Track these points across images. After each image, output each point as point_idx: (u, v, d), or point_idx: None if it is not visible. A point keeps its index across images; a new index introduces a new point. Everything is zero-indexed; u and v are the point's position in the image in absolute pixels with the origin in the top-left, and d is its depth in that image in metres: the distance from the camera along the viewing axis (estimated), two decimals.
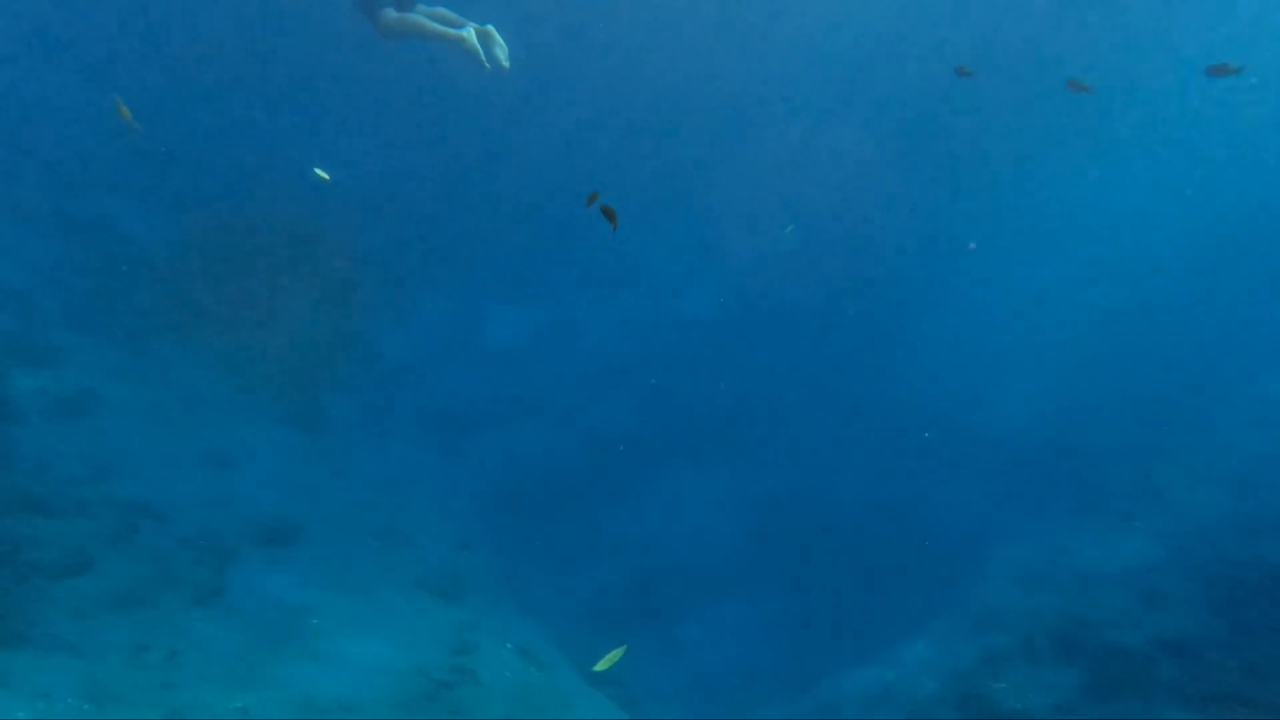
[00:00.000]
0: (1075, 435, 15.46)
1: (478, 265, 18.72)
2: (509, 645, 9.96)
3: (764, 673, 12.47)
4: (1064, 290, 17.99)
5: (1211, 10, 19.25)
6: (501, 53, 8.11)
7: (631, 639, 12.27)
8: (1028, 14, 19.72)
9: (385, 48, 9.48)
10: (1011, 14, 19.81)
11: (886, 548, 14.21)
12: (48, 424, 10.10)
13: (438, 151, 20.33)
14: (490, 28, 8.14)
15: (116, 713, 6.59)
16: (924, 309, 19.00)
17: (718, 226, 20.47)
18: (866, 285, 19.92)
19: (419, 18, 8.08)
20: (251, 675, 7.68)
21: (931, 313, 18.88)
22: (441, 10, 8.32)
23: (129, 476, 9.82)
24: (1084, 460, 14.77)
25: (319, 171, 10.01)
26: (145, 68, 18.68)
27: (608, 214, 6.08)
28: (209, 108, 18.55)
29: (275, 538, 10.08)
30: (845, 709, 10.73)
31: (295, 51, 19.45)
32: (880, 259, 20.36)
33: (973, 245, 16.62)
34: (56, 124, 16.43)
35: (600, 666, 6.56)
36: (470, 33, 7.94)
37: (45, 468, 9.35)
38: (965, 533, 14.26)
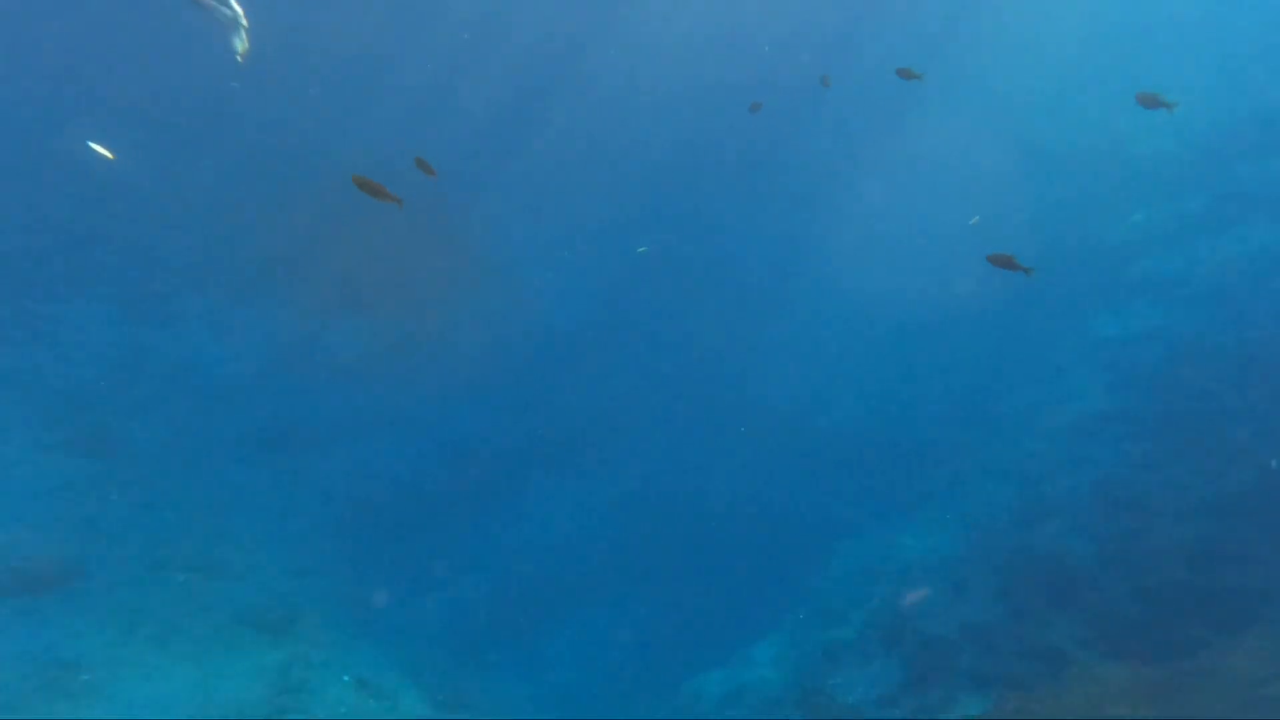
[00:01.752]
0: (900, 433, 17.31)
1: (315, 271, 17.73)
2: (346, 678, 9.56)
3: (627, 680, 13.19)
4: (890, 298, 19.85)
5: None
6: (240, 44, 8.21)
7: (491, 658, 12.61)
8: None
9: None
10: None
11: (741, 546, 15.45)
12: None
13: (258, 140, 18.87)
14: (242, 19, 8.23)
15: None
16: (769, 316, 20.38)
17: (577, 234, 20.87)
18: (716, 292, 21.09)
19: None
20: None
21: (777, 320, 20.30)
22: None
23: None
24: (907, 456, 16.60)
25: (96, 147, 9.04)
26: None
27: (422, 166, 6.45)
28: None
29: (33, 584, 8.95)
30: (703, 710, 11.70)
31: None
32: (727, 267, 21.55)
33: (643, 249, 17.95)
34: None
35: None
36: (241, 14, 8.14)
37: None
38: (811, 529, 15.79)
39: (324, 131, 20.31)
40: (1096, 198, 19.63)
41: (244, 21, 8.27)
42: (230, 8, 8.17)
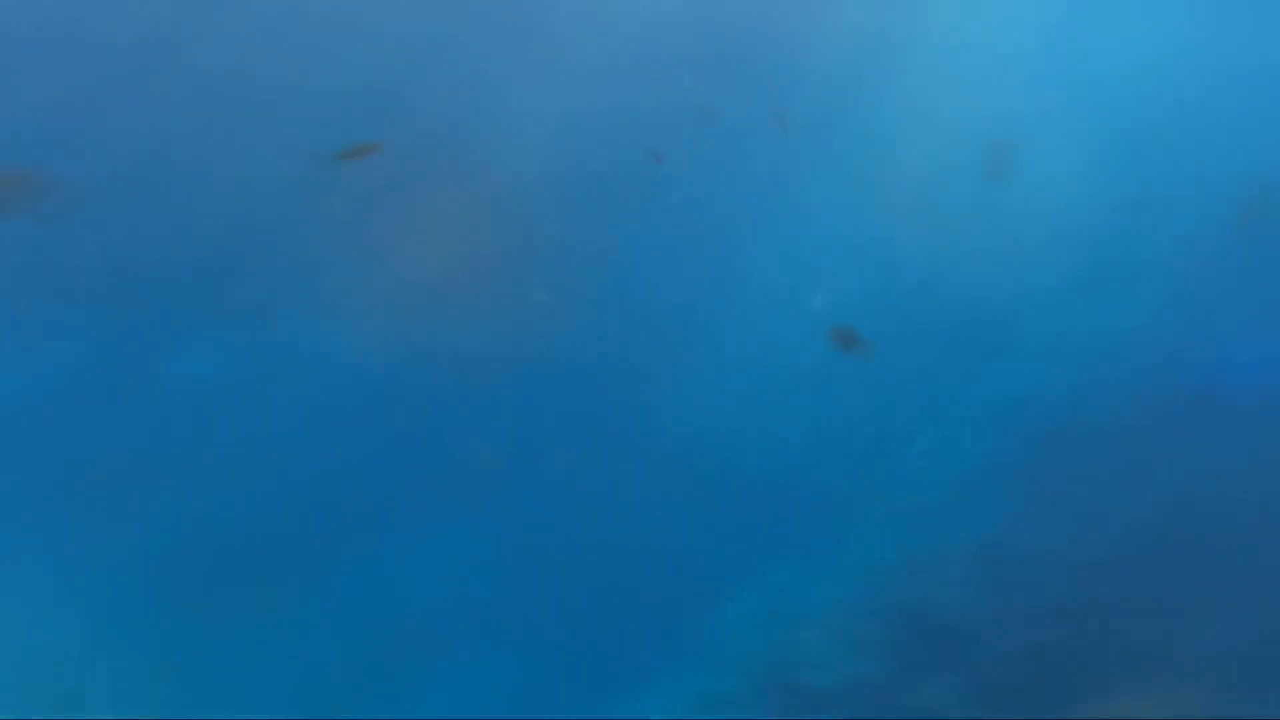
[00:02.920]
0: (797, 478, 17.35)
1: (147, 276, 16.26)
2: None
3: None
4: (787, 337, 20.08)
5: None
6: None
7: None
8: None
9: None
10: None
11: (634, 591, 14.98)
12: None
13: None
14: None
15: None
16: (674, 352, 20.24)
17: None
18: (618, 323, 20.81)
19: None
20: None
21: (681, 356, 20.16)
22: None
23: None
24: (802, 502, 16.63)
25: None
26: None
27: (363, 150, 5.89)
28: None
29: None
30: None
31: None
32: (632, 299, 21.34)
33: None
34: None
35: None
36: None
37: None
38: (703, 573, 15.48)
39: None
40: (979, 256, 20.64)
41: None
42: None
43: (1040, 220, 21.47)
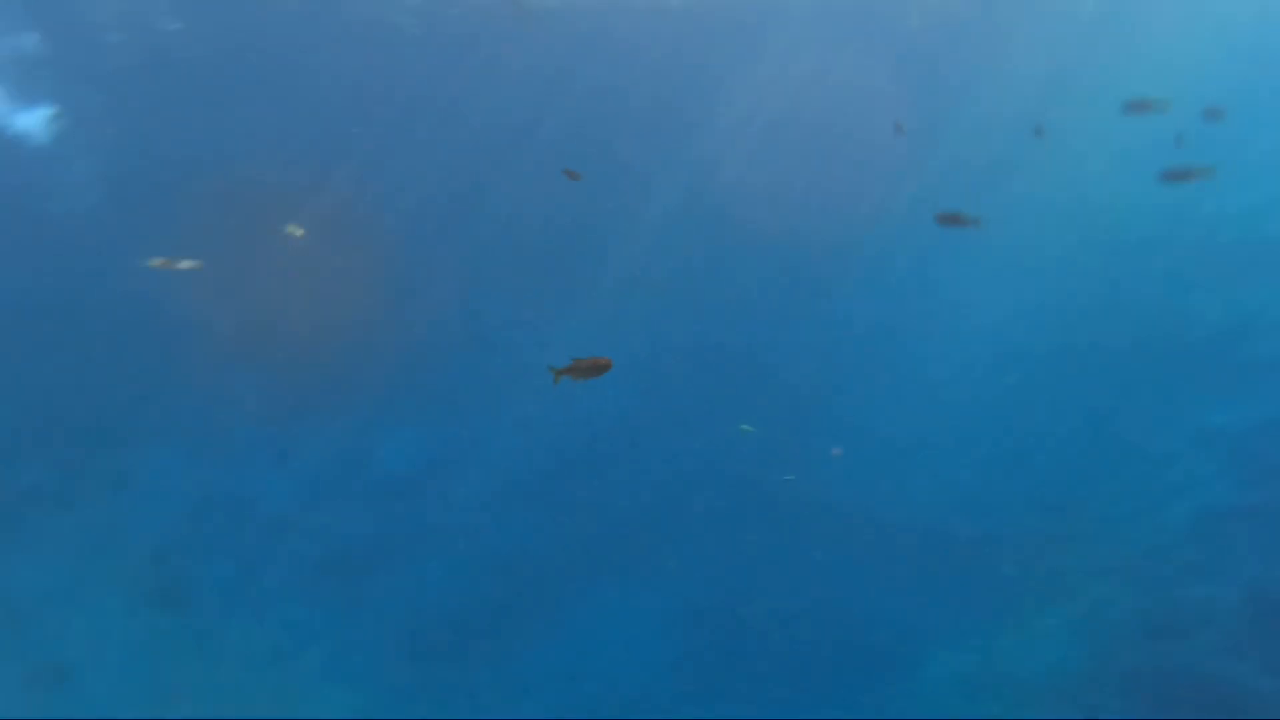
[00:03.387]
0: (987, 524, 15.80)
1: (359, 385, 17.57)
2: None
3: None
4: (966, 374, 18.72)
5: None
6: None
7: None
8: None
9: None
10: None
11: (823, 657, 13.99)
12: None
13: None
14: None
15: None
16: (833, 402, 19.35)
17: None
18: (771, 375, 20.18)
19: None
20: None
21: (842, 406, 19.25)
22: None
23: None
24: (996, 550, 15.07)
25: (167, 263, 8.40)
26: None
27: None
28: None
29: None
30: None
31: None
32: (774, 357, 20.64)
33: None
34: None
35: None
36: None
37: None
38: (898, 634, 14.22)
39: None
40: (1199, 278, 18.35)
41: None
42: None
43: (1255, 229, 18.99)
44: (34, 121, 14.82)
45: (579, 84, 20.56)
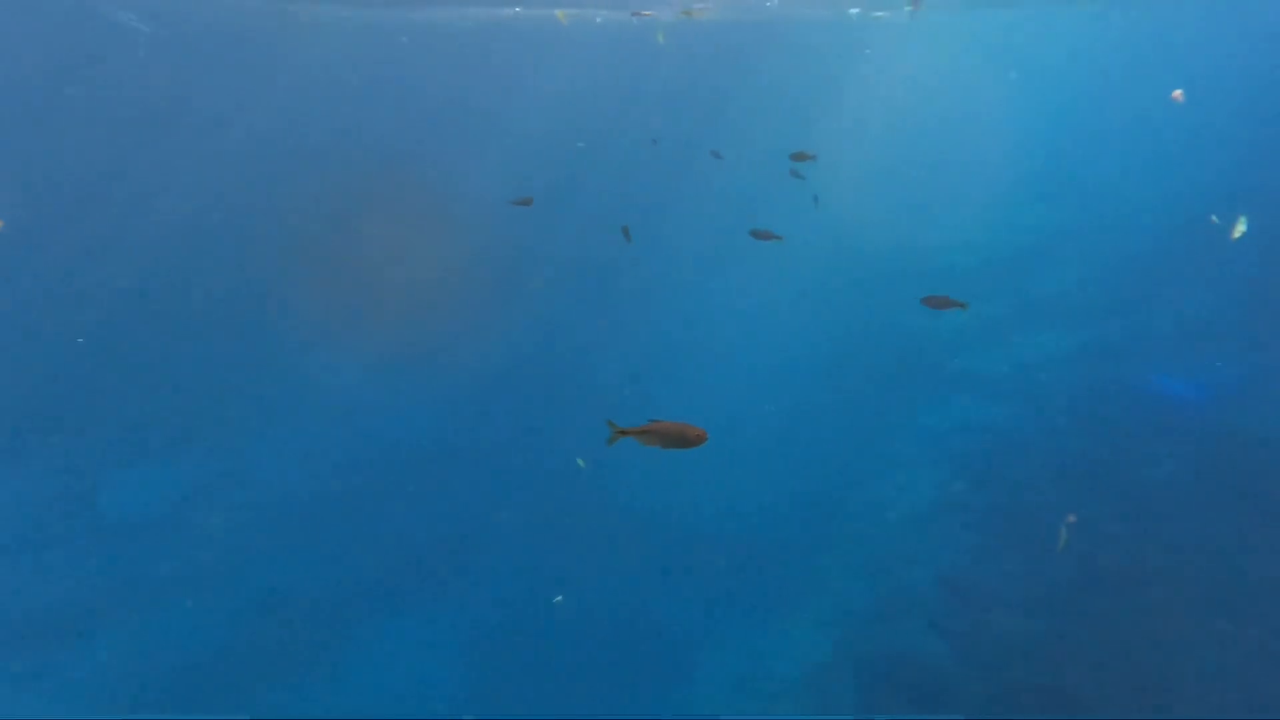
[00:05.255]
0: (758, 534, 17.42)
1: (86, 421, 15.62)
2: None
3: None
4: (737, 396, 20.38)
5: None
6: None
7: None
8: None
9: None
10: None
11: (606, 668, 14.65)
12: None
13: None
14: None
15: None
16: (617, 417, 20.16)
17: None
18: (563, 396, 20.72)
19: None
20: None
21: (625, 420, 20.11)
22: None
23: None
24: (764, 553, 16.68)
25: None
26: None
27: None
28: None
29: None
30: None
31: None
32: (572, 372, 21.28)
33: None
34: None
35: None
36: None
37: None
38: (678, 639, 15.27)
39: None
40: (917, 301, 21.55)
41: None
42: None
43: (967, 259, 22.68)
44: None
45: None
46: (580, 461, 16.73)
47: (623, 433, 4.95)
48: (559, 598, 13.17)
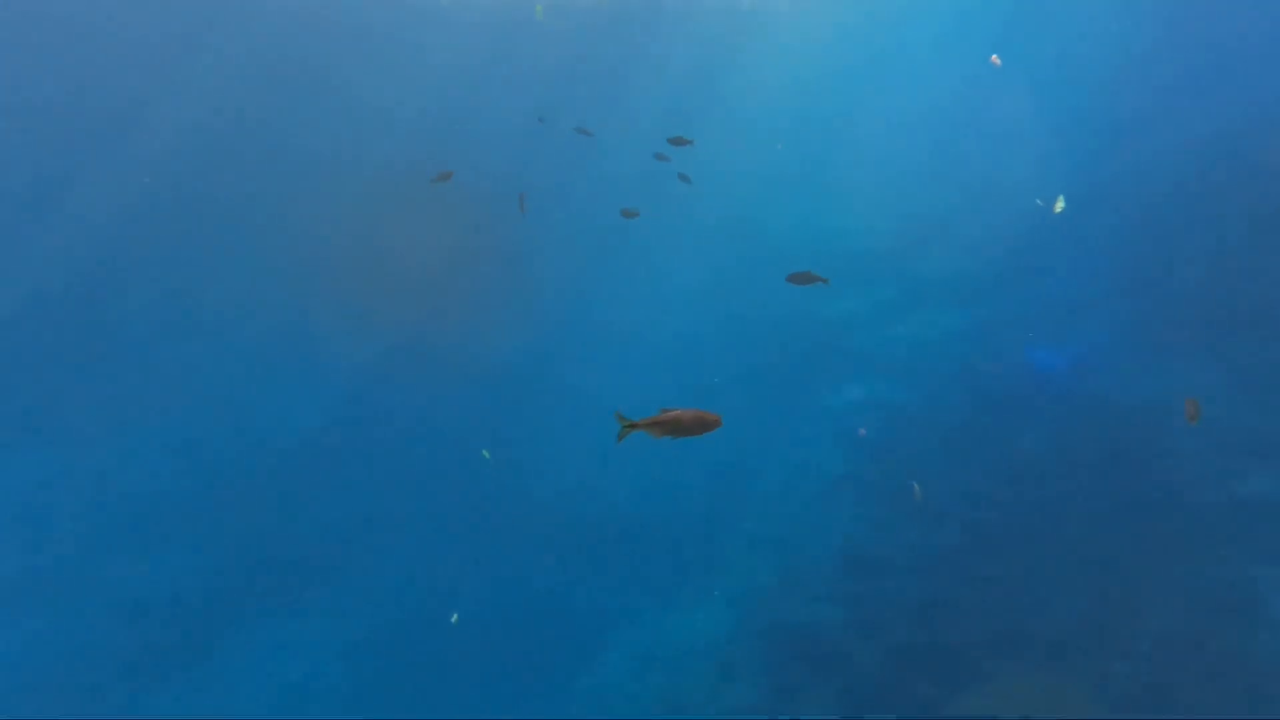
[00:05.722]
0: (662, 511, 17.50)
1: None
2: None
3: None
4: (636, 375, 20.34)
5: None
6: None
7: None
8: None
9: None
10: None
11: (508, 652, 14.39)
12: None
13: None
14: None
15: None
16: (526, 407, 19.85)
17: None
18: (473, 382, 20.21)
19: None
20: None
21: (545, 408, 19.82)
22: None
23: None
24: (671, 534, 16.78)
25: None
26: None
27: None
28: None
29: None
30: None
31: None
32: (475, 357, 20.79)
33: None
34: None
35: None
36: None
37: None
38: (586, 621, 15.16)
39: None
40: (815, 285, 22.12)
41: None
42: None
43: (857, 244, 23.39)
44: None
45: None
46: (485, 453, 16.34)
47: (633, 426, 4.56)
48: (455, 616, 12.80)
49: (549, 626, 14.68)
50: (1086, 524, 12.04)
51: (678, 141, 10.57)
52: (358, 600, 14.64)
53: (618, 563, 16.20)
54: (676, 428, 4.55)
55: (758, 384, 19.25)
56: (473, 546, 16.05)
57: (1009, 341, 17.96)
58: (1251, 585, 9.81)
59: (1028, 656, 9.98)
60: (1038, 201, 18.19)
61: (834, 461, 16.94)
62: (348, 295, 19.72)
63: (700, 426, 4.58)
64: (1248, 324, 15.33)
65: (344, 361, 18.17)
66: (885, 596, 12.40)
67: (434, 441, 18.32)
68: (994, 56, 11.58)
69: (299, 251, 20.04)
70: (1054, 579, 11.15)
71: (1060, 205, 10.97)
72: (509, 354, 20.32)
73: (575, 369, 19.89)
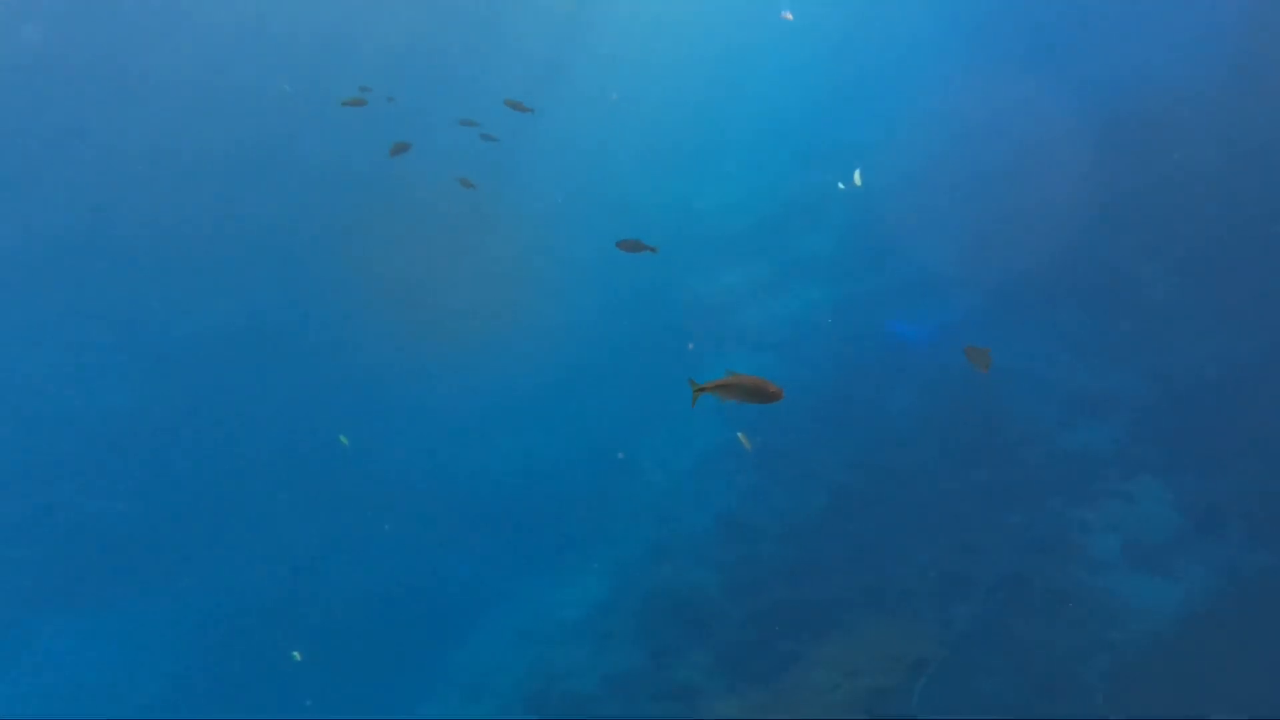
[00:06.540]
0: (542, 488, 17.30)
1: None
2: None
3: None
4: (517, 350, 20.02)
5: None
6: None
7: None
8: None
9: None
10: None
11: (386, 628, 13.91)
12: None
13: None
14: None
15: None
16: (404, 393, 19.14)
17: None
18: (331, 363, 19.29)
19: None
20: None
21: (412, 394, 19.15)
22: None
23: None
24: (550, 510, 16.62)
25: None
26: None
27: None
28: None
29: None
30: None
31: None
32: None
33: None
34: None
35: None
36: None
37: None
38: (460, 600, 14.82)
39: None
40: (695, 261, 22.36)
41: None
42: None
43: (734, 222, 23.88)
44: None
45: None
46: (343, 439, 15.67)
47: (703, 389, 4.85)
48: (297, 654, 12.25)
49: (421, 606, 14.27)
50: (937, 481, 12.81)
51: (516, 106, 10.15)
52: (196, 592, 13.76)
53: (495, 541, 15.91)
54: (741, 392, 4.80)
55: (637, 361, 19.36)
56: (337, 530, 15.38)
57: (879, 315, 18.85)
58: (1072, 528, 10.76)
59: (883, 606, 10.54)
60: (840, 185, 19.24)
61: (713, 434, 17.26)
62: (185, 276, 18.37)
63: (761, 394, 4.80)
64: (1082, 299, 16.72)
65: (170, 338, 16.95)
66: (758, 560, 12.78)
67: (288, 425, 17.43)
68: (786, 12, 11.83)
69: (130, 224, 18.48)
70: (908, 534, 11.80)
71: (858, 179, 11.54)
72: (373, 337, 19.55)
73: (448, 347, 19.35)
